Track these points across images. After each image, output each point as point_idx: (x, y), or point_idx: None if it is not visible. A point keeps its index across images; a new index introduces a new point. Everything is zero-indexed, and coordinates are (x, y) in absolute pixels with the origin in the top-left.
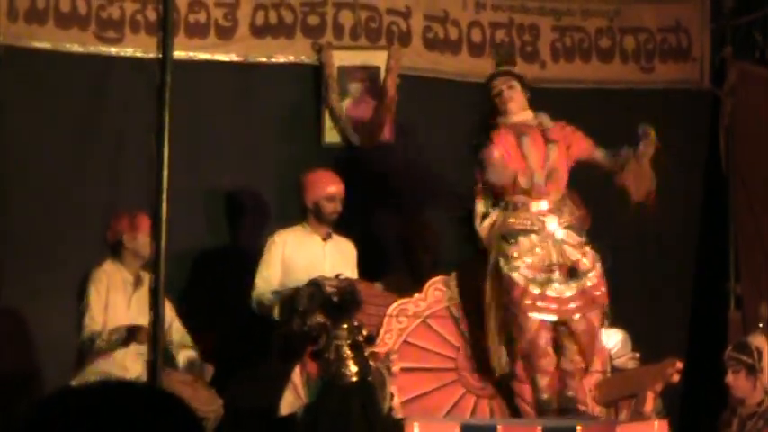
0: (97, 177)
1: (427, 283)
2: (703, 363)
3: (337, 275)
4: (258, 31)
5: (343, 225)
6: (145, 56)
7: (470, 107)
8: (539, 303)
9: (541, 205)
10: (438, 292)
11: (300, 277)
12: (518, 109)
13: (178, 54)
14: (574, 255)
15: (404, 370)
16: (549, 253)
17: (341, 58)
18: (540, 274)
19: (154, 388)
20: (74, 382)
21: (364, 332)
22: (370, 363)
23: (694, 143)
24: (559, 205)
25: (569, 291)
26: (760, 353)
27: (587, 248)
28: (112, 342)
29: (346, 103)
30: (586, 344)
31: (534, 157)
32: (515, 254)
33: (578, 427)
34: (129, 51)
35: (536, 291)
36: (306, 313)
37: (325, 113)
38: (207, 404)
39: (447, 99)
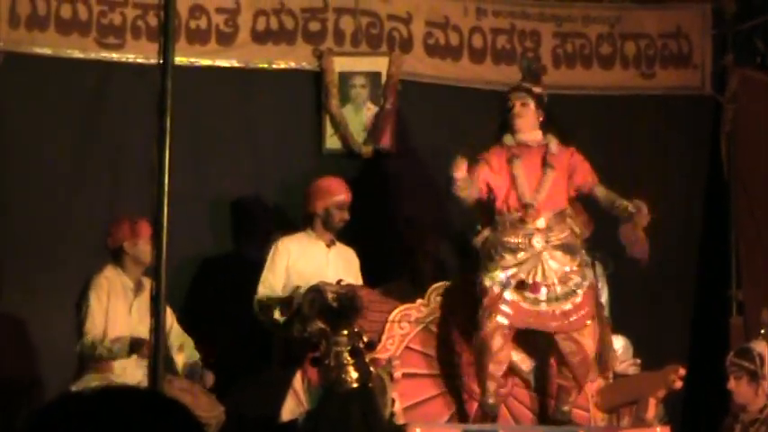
0: (97, 182)
1: (429, 290)
2: (705, 369)
3: (338, 281)
4: (259, 37)
5: (343, 231)
6: (146, 62)
7: (471, 113)
8: (498, 305)
9: (537, 224)
10: (440, 299)
11: (304, 284)
12: (526, 128)
13: (179, 60)
14: (553, 278)
15: (405, 376)
16: (530, 270)
17: (342, 65)
18: (509, 279)
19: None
20: (74, 388)
21: (365, 338)
22: (371, 369)
23: (695, 149)
24: (552, 224)
25: (540, 306)
26: (762, 359)
27: (577, 270)
28: (114, 352)
29: (347, 108)
30: (576, 364)
31: (526, 180)
32: (497, 268)
33: None
34: (130, 57)
35: (502, 293)
36: (306, 319)
37: (325, 120)
38: (208, 411)
39: (448, 105)
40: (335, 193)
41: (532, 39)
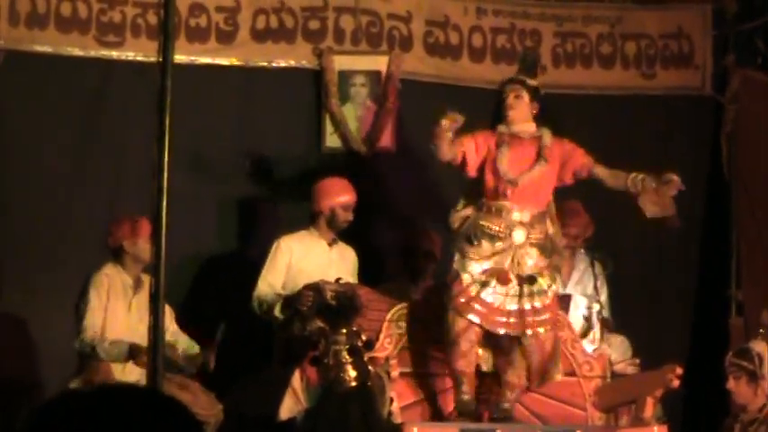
0: (97, 181)
1: (427, 289)
2: (705, 369)
3: (337, 280)
4: (259, 36)
5: (343, 230)
6: (145, 60)
7: (471, 112)
8: (472, 304)
9: (516, 216)
10: (437, 298)
11: (306, 282)
12: (518, 119)
13: (179, 58)
14: (526, 272)
15: (403, 375)
16: (506, 262)
17: (341, 63)
18: (488, 278)
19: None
20: (73, 386)
21: (363, 337)
22: (370, 368)
23: (696, 150)
24: (534, 221)
25: (511, 304)
26: (761, 359)
27: (549, 271)
28: (112, 355)
29: (347, 107)
30: (535, 363)
31: (512, 168)
32: (473, 255)
33: None
34: (129, 55)
35: (473, 292)
36: (305, 318)
37: (325, 118)
38: (207, 409)
39: (448, 104)
40: (342, 193)
41: (533, 38)
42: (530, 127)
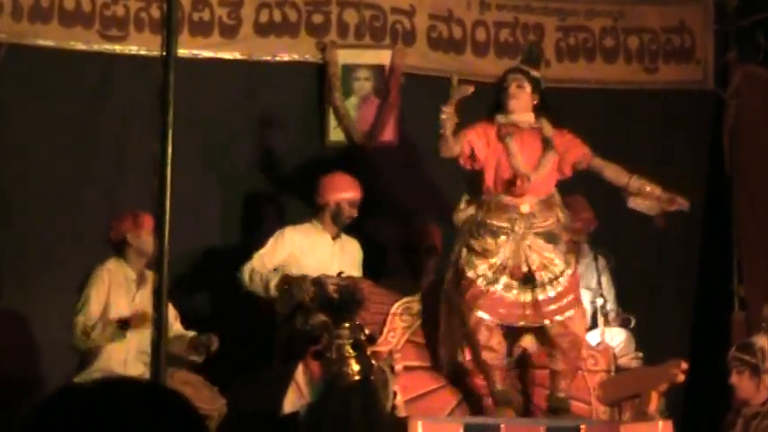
0: (100, 176)
1: (430, 283)
2: (707, 364)
3: (339, 274)
4: (262, 30)
5: (345, 225)
6: (148, 54)
7: (474, 107)
8: (481, 300)
9: (521, 208)
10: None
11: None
12: (519, 109)
13: (182, 52)
14: (535, 263)
15: (407, 369)
16: (512, 255)
17: (345, 57)
18: (496, 274)
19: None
20: (76, 380)
21: (366, 331)
22: (373, 362)
23: (697, 144)
24: (537, 210)
25: (524, 296)
26: (764, 353)
27: (559, 257)
28: (107, 335)
29: (351, 101)
30: (565, 347)
31: (522, 159)
32: (479, 250)
33: (582, 427)
34: (132, 49)
35: (483, 287)
36: (308, 312)
37: (329, 112)
38: (210, 403)
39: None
40: (349, 189)
41: (536, 32)
42: (529, 117)
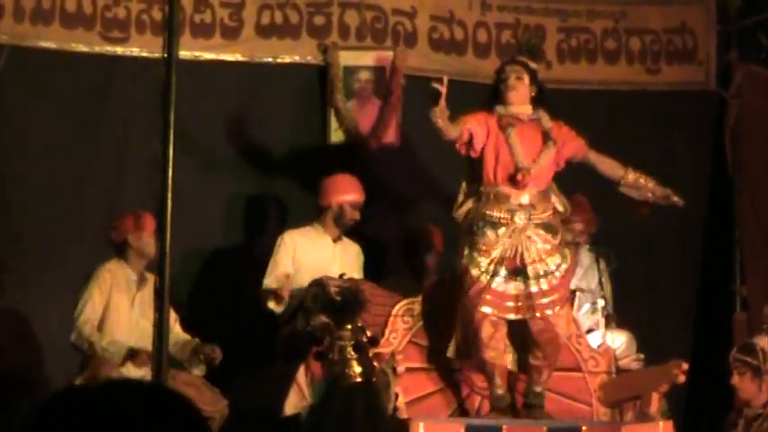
0: (100, 177)
1: (432, 284)
2: (708, 365)
3: (341, 275)
4: (264, 32)
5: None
6: (150, 56)
7: (476, 108)
8: (483, 296)
9: (520, 199)
10: (442, 292)
11: (309, 278)
12: (517, 101)
13: (183, 54)
14: (532, 256)
15: (409, 370)
16: (509, 247)
17: (346, 59)
18: (496, 267)
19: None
20: (77, 382)
21: (368, 333)
22: (375, 363)
23: (699, 145)
24: (536, 201)
25: (519, 288)
26: (765, 354)
27: (557, 249)
28: (107, 355)
29: (352, 103)
30: (543, 342)
31: (522, 150)
32: (482, 246)
33: (583, 429)
34: (134, 51)
35: (484, 283)
36: (309, 313)
37: (330, 114)
38: (212, 404)
39: (452, 100)
40: (352, 191)
41: (537, 33)
42: (527, 109)
